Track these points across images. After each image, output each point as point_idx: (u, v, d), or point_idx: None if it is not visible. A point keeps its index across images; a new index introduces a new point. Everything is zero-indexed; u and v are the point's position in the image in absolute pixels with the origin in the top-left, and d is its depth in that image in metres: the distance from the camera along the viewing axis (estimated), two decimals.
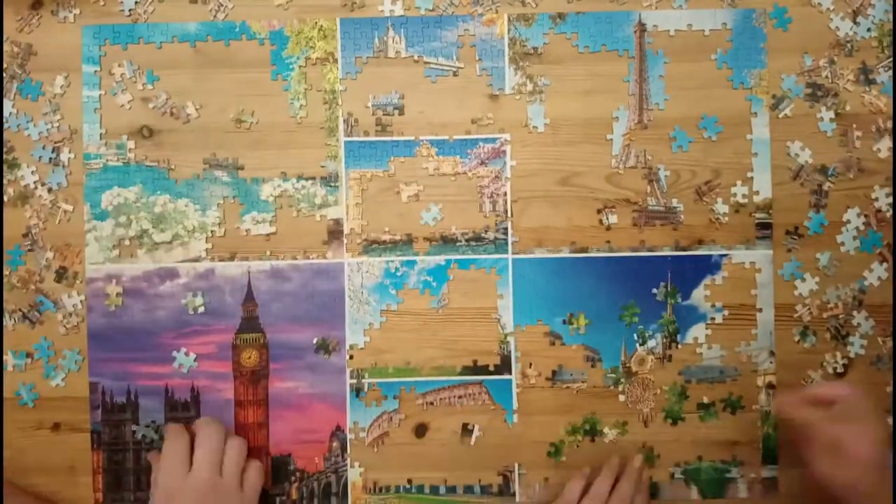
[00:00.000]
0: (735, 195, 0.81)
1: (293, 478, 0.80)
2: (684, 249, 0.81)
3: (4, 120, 0.81)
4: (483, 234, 0.82)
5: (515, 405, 0.81)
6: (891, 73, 0.81)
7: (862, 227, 0.81)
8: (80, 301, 0.81)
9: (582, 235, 0.81)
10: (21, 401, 0.81)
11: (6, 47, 0.82)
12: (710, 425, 0.81)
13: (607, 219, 0.81)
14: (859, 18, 0.82)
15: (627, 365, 0.81)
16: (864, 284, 0.81)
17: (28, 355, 0.81)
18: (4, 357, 0.81)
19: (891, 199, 0.81)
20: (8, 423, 0.81)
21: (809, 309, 0.81)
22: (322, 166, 0.82)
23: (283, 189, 0.81)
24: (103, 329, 0.81)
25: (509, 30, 0.82)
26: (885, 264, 0.81)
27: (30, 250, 0.81)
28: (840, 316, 0.81)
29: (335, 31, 0.82)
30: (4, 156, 0.81)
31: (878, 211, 0.81)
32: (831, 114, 0.81)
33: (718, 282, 0.81)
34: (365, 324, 0.81)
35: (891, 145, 0.81)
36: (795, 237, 0.81)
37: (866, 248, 0.81)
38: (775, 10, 0.82)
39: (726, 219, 0.81)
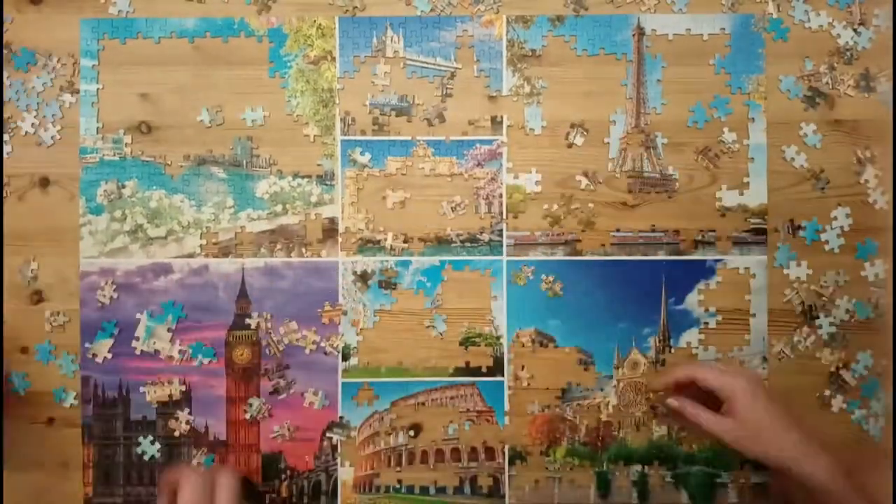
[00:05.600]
0: (728, 198, 0.81)
1: (283, 475, 0.80)
2: (679, 254, 0.81)
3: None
4: (478, 236, 0.81)
5: (507, 407, 0.81)
6: (891, 82, 0.81)
7: (847, 228, 0.81)
8: (73, 294, 0.81)
9: (577, 238, 0.81)
10: (13, 388, 0.80)
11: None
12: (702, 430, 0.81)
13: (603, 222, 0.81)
14: (860, 28, 0.81)
15: (620, 368, 0.81)
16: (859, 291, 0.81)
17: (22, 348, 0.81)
18: None
19: (888, 207, 0.81)
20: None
21: (803, 303, 0.81)
22: (318, 164, 0.82)
23: (278, 187, 0.81)
24: (96, 323, 0.81)
25: (508, 31, 0.81)
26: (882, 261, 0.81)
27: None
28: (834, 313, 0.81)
29: (334, 29, 0.82)
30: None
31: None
32: (829, 119, 0.81)
33: (712, 287, 0.81)
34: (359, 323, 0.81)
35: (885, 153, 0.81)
36: (790, 233, 0.81)
37: (861, 256, 0.81)
38: (772, 24, 0.81)
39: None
